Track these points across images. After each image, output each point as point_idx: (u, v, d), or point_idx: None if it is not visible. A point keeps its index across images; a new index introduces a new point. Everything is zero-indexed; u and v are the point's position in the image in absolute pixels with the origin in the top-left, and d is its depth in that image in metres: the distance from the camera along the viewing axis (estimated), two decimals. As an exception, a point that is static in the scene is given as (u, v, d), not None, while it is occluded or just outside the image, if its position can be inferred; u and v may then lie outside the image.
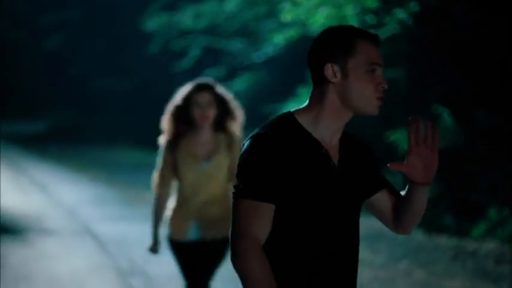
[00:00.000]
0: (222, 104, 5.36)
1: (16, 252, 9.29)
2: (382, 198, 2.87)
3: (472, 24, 11.28)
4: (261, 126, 2.74)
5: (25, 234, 10.42)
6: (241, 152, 2.73)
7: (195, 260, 5.36)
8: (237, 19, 19.18)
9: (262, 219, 2.65)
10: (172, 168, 5.33)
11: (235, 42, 19.71)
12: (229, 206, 5.23)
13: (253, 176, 2.65)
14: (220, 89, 5.42)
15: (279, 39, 14.36)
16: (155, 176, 5.40)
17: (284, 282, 2.70)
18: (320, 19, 11.81)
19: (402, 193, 2.87)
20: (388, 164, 2.71)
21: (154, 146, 5.98)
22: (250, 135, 2.73)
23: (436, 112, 11.32)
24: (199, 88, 5.34)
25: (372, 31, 2.79)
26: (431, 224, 10.32)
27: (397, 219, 2.85)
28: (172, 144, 5.34)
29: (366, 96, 2.67)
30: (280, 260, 2.70)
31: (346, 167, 2.76)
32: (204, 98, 5.29)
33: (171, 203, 5.41)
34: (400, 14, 11.64)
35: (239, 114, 5.44)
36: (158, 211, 5.40)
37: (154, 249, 5.44)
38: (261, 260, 2.63)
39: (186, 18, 20.38)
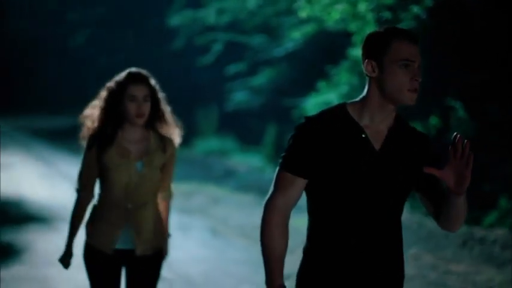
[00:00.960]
0: (155, 99, 4.62)
1: (45, 239, 9.60)
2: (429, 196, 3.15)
3: (488, 16, 11.36)
4: None
5: (53, 222, 10.71)
6: None
7: (117, 274, 4.61)
8: (258, 15, 19.45)
9: (293, 190, 3.04)
10: (98, 170, 4.58)
11: (256, 37, 19.96)
12: (159, 213, 4.70)
13: (292, 151, 3.04)
14: (154, 82, 4.66)
15: (296, 35, 14.59)
16: (78, 177, 4.65)
17: (312, 269, 3.05)
18: (336, 15, 11.97)
19: None
20: (424, 167, 2.95)
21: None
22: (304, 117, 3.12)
23: (450, 105, 11.53)
24: (135, 79, 4.54)
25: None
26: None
27: (439, 217, 3.12)
28: (98, 142, 4.55)
29: (398, 88, 2.96)
30: (313, 246, 3.06)
31: (389, 153, 3.01)
32: (141, 91, 4.52)
33: (95, 208, 4.68)
34: (416, 9, 11.79)
35: (172, 120, 4.73)
36: (78, 217, 4.69)
37: (65, 261, 4.70)
38: (281, 232, 3.02)
39: (209, 14, 20.69)
